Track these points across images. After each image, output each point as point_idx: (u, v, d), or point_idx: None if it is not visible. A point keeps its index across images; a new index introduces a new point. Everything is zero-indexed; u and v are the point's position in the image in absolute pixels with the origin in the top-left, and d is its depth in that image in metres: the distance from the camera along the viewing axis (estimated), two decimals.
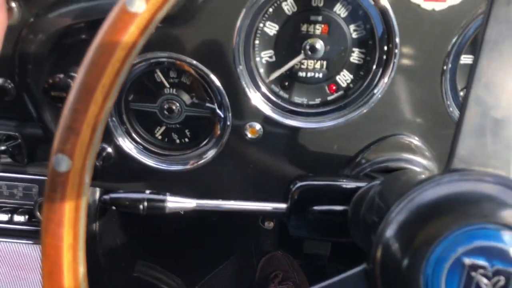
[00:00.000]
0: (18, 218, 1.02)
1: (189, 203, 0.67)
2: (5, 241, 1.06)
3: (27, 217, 1.02)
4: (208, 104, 0.84)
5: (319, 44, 0.78)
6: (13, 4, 0.77)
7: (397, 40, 0.74)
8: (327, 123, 0.81)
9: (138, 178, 0.87)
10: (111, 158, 0.85)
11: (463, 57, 0.77)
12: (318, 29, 0.78)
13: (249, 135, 0.81)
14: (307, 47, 0.78)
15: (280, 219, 1.04)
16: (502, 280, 0.40)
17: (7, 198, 1.03)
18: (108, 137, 0.84)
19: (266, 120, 0.80)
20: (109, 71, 0.47)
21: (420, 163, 0.78)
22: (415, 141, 0.81)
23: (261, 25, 0.78)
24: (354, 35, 0.78)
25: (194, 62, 0.78)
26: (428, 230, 0.43)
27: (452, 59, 0.75)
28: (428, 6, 0.71)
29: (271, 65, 0.81)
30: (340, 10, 0.77)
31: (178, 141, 0.88)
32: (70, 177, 0.48)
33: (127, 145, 0.86)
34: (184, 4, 0.72)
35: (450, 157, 0.48)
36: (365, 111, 0.79)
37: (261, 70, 0.81)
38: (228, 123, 0.81)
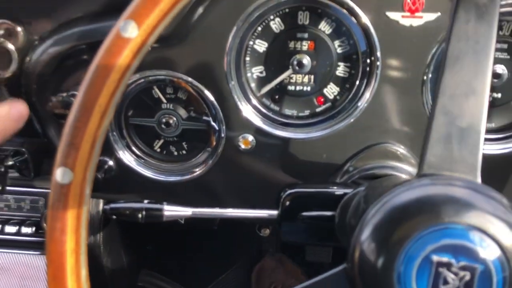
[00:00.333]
0: (25, 230, 1.06)
1: (185, 211, 0.71)
2: (14, 252, 1.10)
3: (34, 228, 1.06)
4: (203, 118, 0.88)
5: (306, 60, 0.82)
6: (19, 28, 0.83)
7: (379, 54, 0.79)
8: (316, 133, 0.85)
9: (138, 189, 0.92)
10: (112, 171, 0.90)
11: None
12: (305, 45, 0.83)
13: (243, 146, 0.85)
14: (295, 62, 0.82)
15: (274, 226, 1.08)
16: (467, 275, 0.43)
17: (15, 211, 1.07)
18: (109, 150, 0.89)
19: (258, 132, 0.85)
20: (105, 92, 0.52)
21: (405, 170, 0.81)
22: (401, 149, 0.85)
23: (251, 42, 0.83)
24: (339, 50, 0.83)
25: (189, 79, 0.83)
26: (399, 231, 0.46)
27: (432, 70, 0.80)
28: (406, 22, 0.76)
29: (261, 80, 0.86)
30: (324, 28, 0.82)
31: (175, 153, 0.92)
32: (72, 188, 0.52)
33: (127, 158, 0.90)
34: (178, 25, 0.77)
35: (421, 164, 0.52)
36: (351, 121, 0.83)
37: (252, 85, 0.86)
38: (223, 135, 0.86)
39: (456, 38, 0.51)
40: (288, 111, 0.87)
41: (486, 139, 0.82)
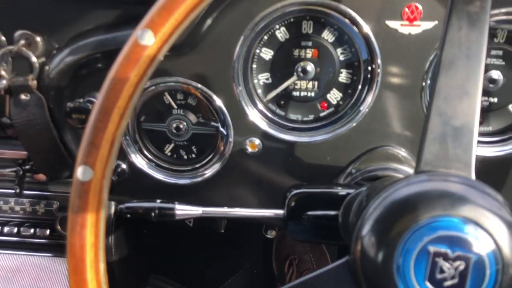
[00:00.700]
0: (40, 232, 1.10)
1: (196, 210, 0.75)
2: (28, 254, 1.13)
3: (48, 231, 1.09)
4: (212, 123, 0.92)
5: (310, 67, 0.86)
6: (38, 38, 0.87)
7: (379, 61, 0.82)
8: (320, 137, 0.89)
9: (150, 191, 0.95)
10: (125, 174, 0.93)
11: None
12: (309, 53, 0.87)
13: (250, 150, 0.89)
14: (300, 69, 0.86)
15: (280, 229, 1.11)
16: (462, 264, 0.46)
17: (30, 214, 1.11)
18: (122, 154, 0.93)
19: (264, 136, 0.89)
20: (124, 95, 0.56)
21: (406, 171, 0.84)
22: (402, 152, 0.88)
23: (258, 51, 0.87)
24: (341, 58, 0.87)
25: (199, 85, 0.87)
26: (398, 224, 0.49)
27: (430, 76, 0.83)
28: (405, 30, 0.80)
29: (267, 86, 0.89)
30: (327, 36, 0.86)
31: (185, 157, 0.96)
32: (92, 185, 0.56)
33: (139, 162, 0.94)
34: (189, 34, 0.81)
35: (418, 161, 0.55)
36: (354, 125, 0.87)
37: (259, 91, 0.90)
38: (230, 139, 0.89)
39: (450, 44, 0.55)
40: (293, 116, 0.91)
41: (483, 142, 0.86)
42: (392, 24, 0.80)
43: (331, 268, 0.56)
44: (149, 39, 0.55)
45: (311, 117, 0.91)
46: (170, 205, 0.73)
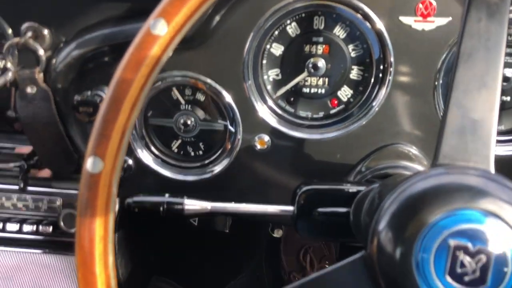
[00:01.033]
0: (42, 229, 1.08)
1: (204, 205, 0.74)
2: (30, 252, 1.12)
3: (51, 228, 1.08)
4: (220, 119, 0.91)
5: (321, 63, 0.85)
6: (45, 31, 0.86)
7: (392, 59, 0.81)
8: (330, 134, 0.88)
9: (156, 188, 0.94)
10: (132, 170, 0.92)
11: None
12: (320, 49, 0.86)
13: (259, 146, 0.88)
14: (310, 65, 0.85)
15: (288, 226, 1.10)
16: (483, 258, 0.45)
17: (32, 211, 1.09)
18: (129, 150, 0.91)
19: (273, 132, 0.87)
20: (136, 85, 0.55)
21: (417, 169, 0.83)
22: (413, 150, 0.87)
23: (268, 46, 0.86)
24: (353, 54, 0.86)
25: (208, 80, 0.86)
26: (416, 218, 0.48)
27: (443, 75, 0.82)
28: (418, 26, 0.79)
29: (278, 82, 0.89)
30: (339, 32, 0.85)
31: (192, 153, 0.95)
32: (102, 177, 0.55)
33: (146, 158, 0.93)
34: (199, 28, 0.80)
35: (436, 154, 0.54)
36: (364, 122, 0.86)
37: (269, 87, 0.89)
38: (239, 136, 0.88)
39: (469, 35, 0.54)
40: (302, 113, 0.90)
41: (497, 141, 0.85)
42: (406, 20, 0.79)
43: (347, 263, 0.55)
44: (162, 28, 0.54)
45: (321, 114, 0.90)
46: (179, 200, 0.72)
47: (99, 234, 0.56)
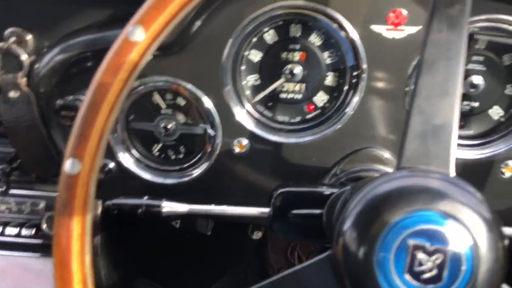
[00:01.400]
0: (25, 232, 1.09)
1: (182, 207, 0.75)
2: (13, 255, 1.12)
3: (34, 231, 1.09)
4: (200, 123, 0.93)
5: (298, 69, 0.88)
6: (28, 36, 0.88)
7: (364, 65, 0.84)
8: (307, 138, 0.90)
9: (137, 191, 0.95)
10: (113, 173, 0.94)
11: None
12: (297, 56, 0.89)
13: (237, 150, 0.90)
14: (287, 71, 0.88)
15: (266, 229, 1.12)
16: (440, 257, 0.47)
17: (15, 213, 1.10)
18: (110, 153, 0.93)
19: (252, 136, 0.90)
20: (114, 89, 0.57)
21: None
22: (386, 153, 0.90)
23: (246, 52, 0.89)
24: (328, 61, 0.89)
25: (188, 85, 0.88)
26: (378, 218, 0.50)
27: (414, 81, 0.85)
28: (389, 35, 0.82)
29: (256, 87, 0.91)
30: (315, 40, 0.88)
31: (173, 157, 0.96)
32: (80, 178, 0.57)
33: (127, 161, 0.94)
34: (179, 34, 0.83)
35: (399, 158, 0.57)
36: (339, 127, 0.89)
37: (247, 92, 0.91)
38: (218, 139, 0.90)
39: (431, 45, 0.57)
40: (280, 117, 0.93)
41: (465, 145, 0.88)
42: (377, 28, 0.82)
43: (314, 262, 0.57)
44: (139, 35, 0.56)
45: (298, 118, 0.92)
46: (156, 202, 0.74)
47: (76, 233, 0.57)
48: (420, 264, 0.48)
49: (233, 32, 0.85)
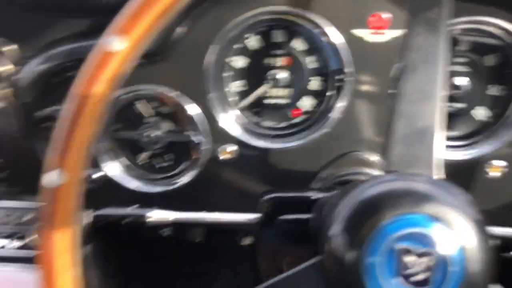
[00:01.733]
0: (13, 243, 1.08)
1: (166, 216, 0.75)
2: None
3: (21, 242, 1.08)
4: (185, 131, 0.93)
5: (282, 74, 0.88)
6: (10, 47, 0.87)
7: (348, 69, 0.85)
8: (293, 143, 0.90)
9: (124, 200, 0.94)
10: (99, 182, 0.93)
11: None
12: (280, 61, 0.89)
13: (224, 157, 0.90)
14: (271, 77, 0.88)
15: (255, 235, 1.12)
16: (427, 260, 0.48)
17: (1, 225, 1.09)
18: (95, 163, 0.92)
19: (238, 143, 0.90)
20: (93, 100, 0.56)
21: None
22: (373, 156, 0.90)
23: (230, 59, 0.89)
24: (312, 66, 0.89)
25: (172, 93, 0.88)
26: (365, 223, 0.50)
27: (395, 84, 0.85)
28: (371, 39, 0.83)
29: (240, 93, 0.91)
30: (298, 45, 0.88)
31: (159, 165, 0.96)
32: (63, 189, 0.56)
33: (113, 170, 0.94)
34: (161, 42, 0.82)
35: (385, 162, 0.57)
36: (325, 131, 0.89)
37: (233, 98, 0.91)
38: (204, 147, 0.90)
39: (410, 49, 0.57)
40: (266, 123, 0.92)
41: (450, 146, 0.89)
42: (359, 32, 0.82)
43: (304, 268, 0.58)
44: (117, 44, 0.56)
45: (284, 123, 0.92)
46: (141, 212, 0.74)
47: (61, 246, 0.57)
48: (408, 268, 0.48)
49: (215, 39, 0.85)
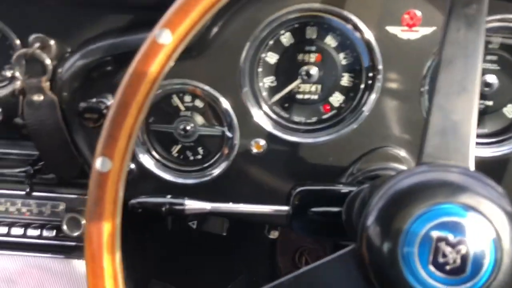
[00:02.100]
0: (46, 233, 1.11)
1: (204, 206, 0.77)
2: (33, 256, 1.14)
3: (54, 232, 1.11)
4: (218, 125, 0.95)
5: (314, 70, 0.90)
6: (51, 42, 0.91)
7: (380, 66, 0.86)
8: (323, 138, 0.92)
9: (157, 191, 0.96)
10: (134, 174, 0.96)
11: None
12: (312, 57, 0.91)
13: (255, 150, 0.92)
14: (303, 73, 0.90)
15: (283, 227, 1.14)
16: (463, 249, 0.49)
17: (36, 215, 1.12)
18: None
19: (269, 137, 0.92)
20: (142, 90, 0.59)
21: None
22: (402, 152, 0.91)
23: (263, 55, 0.91)
24: (344, 62, 0.91)
25: (206, 87, 0.90)
26: (401, 213, 0.52)
27: (429, 81, 0.87)
28: (404, 36, 0.84)
29: (272, 89, 0.93)
30: (330, 41, 0.90)
31: (192, 157, 0.98)
32: (110, 176, 0.59)
33: (147, 162, 0.97)
34: (198, 38, 0.85)
35: (420, 154, 0.58)
36: (355, 127, 0.90)
37: (264, 94, 0.93)
38: (236, 140, 0.92)
39: (449, 44, 0.59)
40: (296, 118, 0.94)
41: (480, 143, 0.89)
42: (392, 29, 0.84)
43: (338, 256, 0.59)
44: (166, 38, 0.58)
45: (314, 119, 0.94)
46: (180, 200, 0.76)
47: (107, 229, 0.59)
48: (444, 256, 0.49)
49: (250, 36, 0.87)
